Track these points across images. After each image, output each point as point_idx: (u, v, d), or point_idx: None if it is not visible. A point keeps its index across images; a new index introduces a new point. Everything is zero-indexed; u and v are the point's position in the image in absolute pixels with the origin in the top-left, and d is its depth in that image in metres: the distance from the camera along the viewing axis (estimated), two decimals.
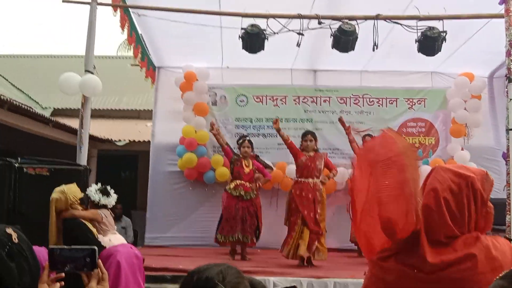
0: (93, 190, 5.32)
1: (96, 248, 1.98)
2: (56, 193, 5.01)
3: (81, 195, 5.12)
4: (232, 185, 7.48)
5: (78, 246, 1.93)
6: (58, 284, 1.99)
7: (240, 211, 7.33)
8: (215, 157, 9.06)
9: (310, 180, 6.96)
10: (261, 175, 7.73)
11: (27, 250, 1.64)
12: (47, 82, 15.32)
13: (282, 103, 9.50)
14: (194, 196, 9.26)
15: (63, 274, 1.96)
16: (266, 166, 8.03)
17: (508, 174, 5.01)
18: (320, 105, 9.46)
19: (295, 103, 9.48)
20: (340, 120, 7.96)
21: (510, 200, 4.97)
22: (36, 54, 20.27)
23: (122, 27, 7.32)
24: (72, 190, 5.10)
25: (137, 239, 9.85)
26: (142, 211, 9.20)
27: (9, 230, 1.61)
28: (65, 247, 1.96)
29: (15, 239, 1.61)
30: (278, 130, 7.26)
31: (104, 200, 5.32)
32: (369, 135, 8.18)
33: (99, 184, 5.43)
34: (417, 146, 9.32)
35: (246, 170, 7.50)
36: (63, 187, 5.08)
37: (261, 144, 9.07)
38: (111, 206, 5.40)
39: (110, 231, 5.22)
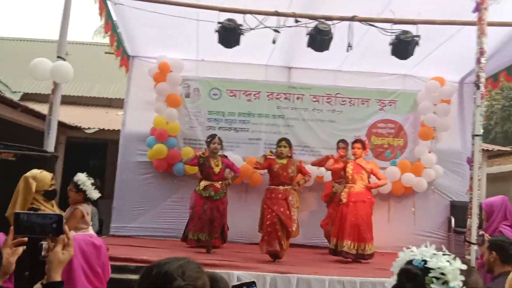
0: (89, 185, 5.24)
1: (62, 215, 2.02)
2: (29, 173, 4.92)
3: (49, 187, 5.03)
4: (201, 186, 7.47)
5: (45, 212, 1.96)
6: (20, 248, 2.01)
7: (208, 212, 7.33)
8: (186, 149, 9.03)
9: (281, 187, 7.02)
10: (228, 174, 7.73)
11: None
12: (18, 66, 15.06)
13: (255, 98, 9.52)
14: (162, 188, 9.22)
15: (26, 239, 1.99)
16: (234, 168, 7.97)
17: (471, 178, 5.12)
18: (293, 102, 9.51)
19: (269, 99, 9.51)
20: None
21: (471, 204, 5.08)
22: (8, 37, 19.86)
23: (101, 13, 7.23)
24: (43, 179, 5.00)
25: (102, 228, 9.75)
26: (109, 200, 9.10)
27: None
28: (32, 212, 1.98)
29: None
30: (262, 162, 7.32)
31: (95, 195, 5.28)
32: (342, 140, 8.14)
33: (85, 174, 5.35)
34: (386, 147, 9.46)
35: (216, 169, 7.51)
36: (38, 171, 4.98)
37: (232, 138, 9.09)
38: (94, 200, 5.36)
39: (85, 229, 5.17)
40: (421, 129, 9.44)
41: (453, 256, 1.57)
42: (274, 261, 6.84)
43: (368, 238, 7.31)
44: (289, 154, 7.23)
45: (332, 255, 7.52)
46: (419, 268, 1.53)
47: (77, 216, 5.20)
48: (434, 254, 1.58)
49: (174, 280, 1.52)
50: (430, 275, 1.50)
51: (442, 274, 1.49)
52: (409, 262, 1.57)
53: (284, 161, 7.14)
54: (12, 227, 1.98)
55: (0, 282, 1.98)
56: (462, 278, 1.49)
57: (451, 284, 1.47)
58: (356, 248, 7.25)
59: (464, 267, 1.54)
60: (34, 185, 4.89)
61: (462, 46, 7.06)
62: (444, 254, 1.57)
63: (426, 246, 1.62)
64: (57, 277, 1.93)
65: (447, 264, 1.52)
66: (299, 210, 7.60)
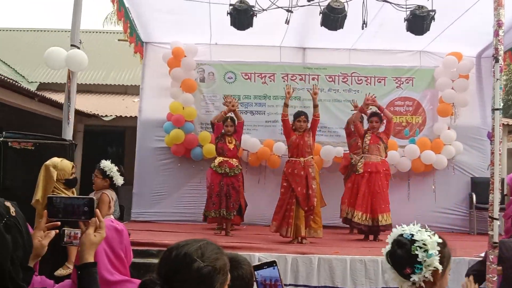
0: (115, 171, 5.38)
1: (94, 197, 2.06)
2: (49, 162, 4.99)
3: (69, 176, 5.11)
4: (216, 162, 7.49)
5: (77, 196, 2.00)
6: (53, 232, 2.06)
7: (224, 188, 7.36)
8: (203, 134, 9.05)
9: (301, 158, 6.98)
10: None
11: (22, 225, 1.66)
12: (34, 56, 15.14)
13: (270, 81, 9.48)
14: (180, 172, 9.27)
15: (59, 223, 2.04)
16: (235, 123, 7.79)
17: (492, 153, 5.04)
18: (309, 83, 9.43)
19: (284, 81, 9.44)
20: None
21: (493, 179, 5.01)
22: (23, 28, 19.98)
23: (113, 1, 7.23)
24: (63, 168, 5.07)
25: (123, 214, 9.85)
26: (129, 186, 9.18)
27: (8, 203, 1.63)
28: (65, 196, 2.02)
29: (12, 212, 1.62)
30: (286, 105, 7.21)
31: (120, 181, 5.42)
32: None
33: (109, 161, 5.48)
34: (404, 125, 9.38)
35: (230, 146, 7.52)
36: (58, 160, 5.06)
37: (248, 121, 9.07)
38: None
39: (108, 215, 5.27)
40: (440, 106, 9.33)
41: (433, 232, 2.18)
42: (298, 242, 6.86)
43: (383, 208, 7.28)
44: (306, 128, 7.17)
45: (348, 224, 7.80)
46: (408, 240, 2.13)
47: (106, 202, 5.31)
48: (419, 230, 2.17)
49: (194, 262, 1.53)
50: (415, 244, 2.11)
51: (424, 244, 2.10)
52: (401, 235, 2.18)
53: (299, 132, 7.11)
54: (45, 211, 2.02)
55: (31, 264, 1.99)
56: (438, 248, 2.12)
57: (430, 252, 2.09)
58: (370, 219, 7.25)
59: (441, 240, 2.16)
60: (55, 174, 4.96)
61: (478, 19, 6.93)
62: (426, 231, 2.17)
63: (413, 225, 2.20)
64: (90, 258, 1.97)
65: (428, 237, 2.13)
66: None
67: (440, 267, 2.10)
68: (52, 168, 4.98)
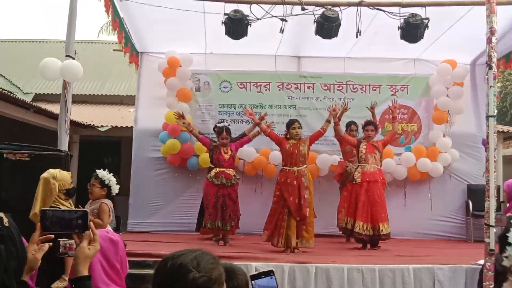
0: (114, 180, 5.36)
1: (88, 210, 2.05)
2: (47, 174, 4.97)
3: (69, 186, 5.10)
4: (213, 173, 7.47)
5: (70, 209, 1.99)
6: (47, 245, 2.05)
7: (220, 199, 7.34)
8: (199, 143, 8.99)
9: (295, 168, 6.97)
10: (254, 133, 7.67)
11: (16, 235, 1.66)
12: (29, 67, 15.16)
13: (265, 90, 9.50)
14: (177, 182, 9.25)
15: (52, 236, 2.02)
16: (243, 135, 7.89)
17: (487, 160, 5.06)
18: (304, 91, 9.47)
19: (279, 90, 9.47)
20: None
21: (489, 186, 5.01)
22: (18, 39, 20.00)
23: (107, 11, 7.24)
24: (63, 178, 5.06)
25: (119, 225, 9.82)
26: (125, 197, 9.15)
27: (1, 214, 1.63)
28: (58, 209, 2.01)
29: (6, 222, 1.62)
30: (259, 124, 7.27)
31: (117, 190, 5.40)
32: (353, 123, 8.21)
33: (107, 171, 5.46)
34: (400, 132, 9.39)
35: (226, 156, 7.49)
36: (56, 171, 5.05)
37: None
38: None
39: (109, 223, 5.28)
40: (435, 113, 9.35)
41: None
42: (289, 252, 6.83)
43: (383, 217, 7.28)
44: (300, 135, 7.17)
45: (346, 234, 7.78)
46: None
47: (106, 211, 5.30)
48: None
49: (189, 272, 1.52)
50: None
51: None
52: None
53: (294, 140, 7.11)
54: (39, 224, 2.01)
55: (25, 277, 2.00)
56: None
57: None
58: (371, 229, 7.24)
59: None
60: (56, 186, 4.96)
61: (472, 27, 6.94)
62: None
63: None
64: (85, 272, 1.96)
65: None
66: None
67: None
68: (52, 180, 4.96)
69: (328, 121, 7.24)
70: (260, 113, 9.27)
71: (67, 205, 5.10)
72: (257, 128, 7.45)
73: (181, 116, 7.69)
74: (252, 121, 7.57)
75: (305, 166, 7.06)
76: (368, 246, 7.40)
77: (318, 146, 8.82)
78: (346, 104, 7.61)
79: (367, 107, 8.12)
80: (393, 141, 8.22)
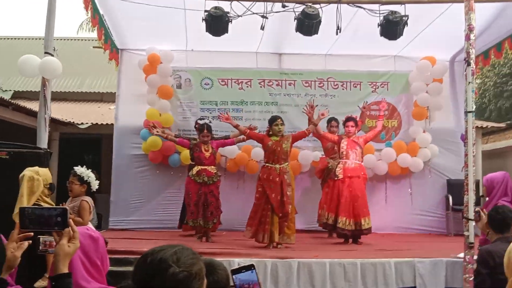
0: (93, 177, 5.31)
1: (67, 208, 2.04)
2: (29, 172, 4.93)
3: (51, 180, 5.09)
4: (194, 171, 7.46)
5: (49, 206, 1.99)
6: (26, 243, 2.04)
7: (202, 197, 7.34)
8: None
9: (277, 165, 6.99)
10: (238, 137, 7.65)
11: None
12: (7, 64, 14.93)
13: (247, 86, 9.50)
14: (158, 180, 9.21)
15: (31, 234, 2.02)
16: (227, 137, 7.93)
17: (466, 155, 5.13)
18: (285, 88, 9.50)
19: (260, 86, 9.48)
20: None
21: (468, 181, 5.09)
22: None
23: (86, 8, 7.17)
24: (45, 174, 5.05)
25: (101, 223, 9.76)
26: (106, 195, 9.10)
27: None
28: (37, 207, 2.00)
29: None
30: (237, 126, 7.31)
31: (96, 186, 5.36)
32: (334, 119, 8.25)
33: (85, 167, 5.42)
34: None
35: (207, 154, 7.48)
36: (37, 168, 5.02)
37: (226, 127, 9.01)
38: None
39: (90, 221, 5.25)
40: (415, 109, 9.44)
41: None
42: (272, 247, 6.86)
43: (364, 212, 7.35)
44: (282, 132, 7.18)
45: (327, 229, 7.94)
46: None
47: (86, 208, 5.26)
48: None
49: (169, 267, 1.52)
50: None
51: None
52: None
53: (277, 137, 7.12)
54: (18, 222, 2.00)
55: (4, 275, 2.00)
56: None
57: None
58: (353, 224, 7.30)
59: None
60: (41, 180, 4.94)
61: (451, 24, 7.01)
62: None
63: None
64: (65, 269, 1.95)
65: None
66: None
67: None
68: (36, 176, 4.94)
69: (315, 124, 7.26)
70: (242, 109, 9.38)
71: (50, 201, 5.07)
72: (243, 136, 7.45)
73: (152, 127, 7.73)
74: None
75: (287, 163, 7.08)
76: (350, 241, 7.45)
77: (300, 142, 8.78)
78: (312, 101, 7.56)
79: (358, 106, 8.19)
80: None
